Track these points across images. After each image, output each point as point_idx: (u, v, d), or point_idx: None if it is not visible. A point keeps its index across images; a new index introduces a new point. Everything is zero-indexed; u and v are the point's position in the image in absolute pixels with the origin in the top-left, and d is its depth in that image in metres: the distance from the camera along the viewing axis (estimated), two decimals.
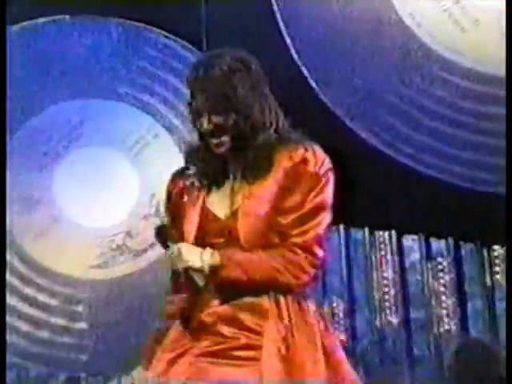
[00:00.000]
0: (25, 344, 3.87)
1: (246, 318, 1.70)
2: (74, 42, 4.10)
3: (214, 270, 1.68)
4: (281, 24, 4.06)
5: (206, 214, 1.77)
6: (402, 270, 4.21)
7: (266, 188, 1.73)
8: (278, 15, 4.06)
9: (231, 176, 1.78)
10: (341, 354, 1.75)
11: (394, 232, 4.22)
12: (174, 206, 1.85)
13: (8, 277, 3.89)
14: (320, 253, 1.71)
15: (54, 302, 3.92)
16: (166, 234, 1.74)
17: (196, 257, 1.68)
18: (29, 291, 3.91)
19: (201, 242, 1.75)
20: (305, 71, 4.02)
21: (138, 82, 4.08)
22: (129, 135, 4.11)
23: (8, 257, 3.92)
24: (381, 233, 4.24)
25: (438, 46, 3.81)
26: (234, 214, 1.74)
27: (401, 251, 4.17)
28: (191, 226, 1.77)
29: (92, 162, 4.06)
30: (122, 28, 4.09)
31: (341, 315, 4.19)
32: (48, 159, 4.08)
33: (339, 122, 3.94)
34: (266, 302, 1.70)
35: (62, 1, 4.11)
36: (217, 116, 1.73)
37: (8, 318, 3.84)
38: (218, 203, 1.78)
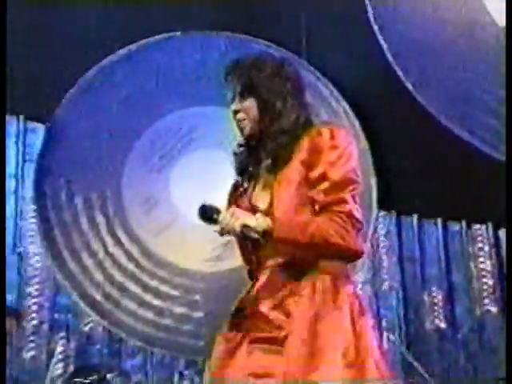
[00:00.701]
0: (150, 331, 4.21)
1: (288, 303, 1.77)
2: (186, 55, 4.43)
3: (268, 231, 1.75)
4: (376, 29, 4.23)
5: (252, 209, 1.85)
6: (499, 261, 4.32)
7: (293, 169, 1.82)
8: (373, 20, 4.23)
9: (264, 169, 1.89)
10: (370, 339, 1.76)
11: (490, 225, 4.34)
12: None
13: (133, 270, 4.28)
14: (360, 217, 1.76)
15: (174, 293, 4.25)
16: (211, 210, 1.78)
17: (251, 217, 1.76)
18: (152, 283, 4.25)
19: None
20: (400, 73, 4.18)
21: None
22: (235, 138, 4.40)
23: (134, 252, 4.30)
24: (478, 226, 4.37)
25: None
26: (271, 203, 1.83)
27: (497, 243, 4.29)
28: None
29: (204, 164, 4.38)
30: (228, 40, 4.39)
31: (440, 304, 4.35)
32: (164, 162, 4.43)
33: (435, 121, 4.09)
34: (302, 286, 1.77)
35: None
36: (244, 100, 1.87)
37: (135, 307, 4.23)
38: (259, 196, 1.87)
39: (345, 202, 1.76)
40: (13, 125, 4.40)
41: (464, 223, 4.37)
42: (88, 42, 4.35)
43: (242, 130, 1.91)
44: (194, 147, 4.43)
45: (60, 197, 4.29)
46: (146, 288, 4.24)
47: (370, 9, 4.23)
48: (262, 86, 1.87)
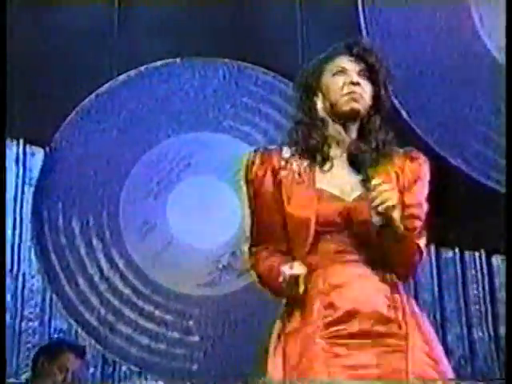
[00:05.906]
0: (144, 355, 4.10)
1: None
2: (184, 82, 4.35)
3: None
4: None
5: (321, 194, 1.75)
6: (491, 288, 4.24)
7: (390, 170, 1.80)
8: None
9: (339, 161, 1.79)
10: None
11: (483, 252, 4.27)
12: (266, 188, 1.84)
13: (129, 294, 4.18)
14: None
15: (168, 317, 4.14)
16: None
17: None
18: (147, 307, 4.14)
19: (321, 221, 1.74)
20: (396, 102, 4.14)
21: (241, 116, 4.30)
22: (232, 164, 4.32)
23: (129, 276, 4.20)
24: (470, 252, 4.30)
25: None
26: (363, 198, 1.72)
27: (490, 270, 4.21)
28: (308, 207, 1.75)
29: (200, 190, 4.29)
30: (226, 67, 4.31)
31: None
32: (161, 187, 4.32)
33: (430, 149, 4.04)
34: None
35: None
36: (364, 79, 1.78)
37: (130, 332, 4.12)
38: (334, 185, 1.77)
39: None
40: (13, 148, 4.33)
41: (457, 250, 4.30)
42: (88, 68, 4.29)
43: (349, 101, 1.76)
44: (191, 172, 4.32)
45: (57, 220, 4.19)
46: (140, 312, 4.13)
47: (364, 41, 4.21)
48: (382, 75, 1.79)
